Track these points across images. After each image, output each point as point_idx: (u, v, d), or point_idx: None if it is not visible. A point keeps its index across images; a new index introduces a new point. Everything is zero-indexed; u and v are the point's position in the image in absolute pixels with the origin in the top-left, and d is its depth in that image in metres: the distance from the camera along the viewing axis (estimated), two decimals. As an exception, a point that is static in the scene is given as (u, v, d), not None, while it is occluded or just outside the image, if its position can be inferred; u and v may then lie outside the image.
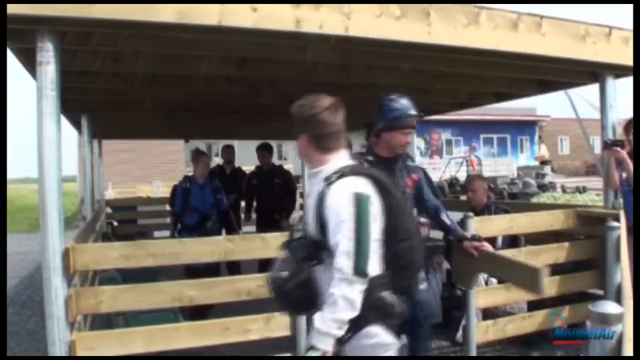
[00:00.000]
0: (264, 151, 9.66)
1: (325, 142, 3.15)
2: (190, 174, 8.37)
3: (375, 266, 2.91)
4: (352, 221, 2.83)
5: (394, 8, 4.54)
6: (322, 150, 3.16)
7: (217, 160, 12.21)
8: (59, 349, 3.98)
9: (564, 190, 24.14)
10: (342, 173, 3.00)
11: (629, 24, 5.74)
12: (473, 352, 5.21)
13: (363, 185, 2.97)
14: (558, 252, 5.74)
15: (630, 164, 5.63)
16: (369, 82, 7.10)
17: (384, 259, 2.98)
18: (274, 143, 10.01)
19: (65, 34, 4.26)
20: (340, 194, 2.90)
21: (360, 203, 2.87)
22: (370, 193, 2.96)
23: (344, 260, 2.79)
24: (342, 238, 2.82)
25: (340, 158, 3.17)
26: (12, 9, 3.58)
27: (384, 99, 4.68)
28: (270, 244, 4.84)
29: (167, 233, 13.19)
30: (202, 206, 8.01)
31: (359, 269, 2.79)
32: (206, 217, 8.01)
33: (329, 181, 2.99)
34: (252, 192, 9.94)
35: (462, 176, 28.73)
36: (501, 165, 38.01)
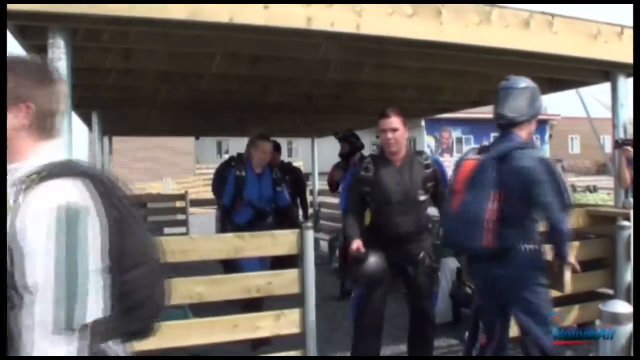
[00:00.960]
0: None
1: (50, 123, 2.11)
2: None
3: (95, 308, 1.93)
4: (58, 249, 1.85)
5: (406, 6, 4.54)
6: (40, 135, 2.08)
7: (227, 158, 12.16)
8: (69, 345, 3.99)
9: (574, 189, 23.94)
10: (47, 172, 1.95)
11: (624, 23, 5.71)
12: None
13: (77, 193, 1.95)
14: (568, 252, 5.72)
15: None
16: (380, 81, 7.10)
17: (112, 293, 2.02)
18: (283, 140, 9.90)
19: (76, 31, 4.28)
20: (40, 208, 1.86)
21: (70, 222, 1.89)
22: (87, 203, 1.95)
23: (50, 310, 1.82)
24: (44, 276, 1.82)
25: (54, 149, 2.13)
26: (23, 6, 3.59)
27: (533, 83, 4.34)
28: (280, 242, 4.88)
29: (177, 230, 13.26)
30: (257, 200, 6.77)
31: (74, 321, 1.85)
32: (262, 213, 6.78)
33: (26, 185, 1.92)
34: None
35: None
36: (511, 164, 37.77)
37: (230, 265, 6.17)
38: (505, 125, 4.14)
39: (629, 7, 5.72)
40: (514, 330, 4.46)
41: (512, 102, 4.11)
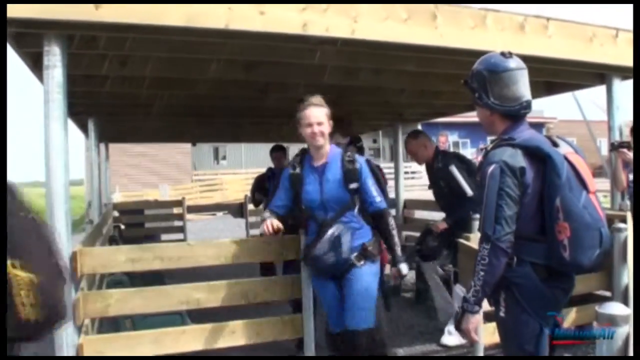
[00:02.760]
0: (279, 153, 8.68)
1: None
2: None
3: None
4: None
5: (401, 11, 4.55)
6: None
7: (224, 164, 12.11)
8: (66, 353, 3.98)
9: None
10: None
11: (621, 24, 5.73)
12: (480, 354, 5.20)
13: None
14: (565, 254, 5.71)
15: None
16: (377, 85, 7.11)
17: None
18: (280, 146, 9.77)
19: (72, 38, 4.29)
20: None
21: None
22: None
23: None
24: None
25: None
26: (19, 12, 3.59)
27: None
28: (278, 248, 4.89)
29: (174, 236, 13.24)
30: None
31: None
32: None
33: None
34: (264, 195, 8.90)
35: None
36: (508, 167, 37.80)
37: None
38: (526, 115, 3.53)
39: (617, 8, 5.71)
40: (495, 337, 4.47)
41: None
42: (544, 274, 3.23)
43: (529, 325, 3.27)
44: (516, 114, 3.38)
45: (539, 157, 3.20)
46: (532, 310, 3.24)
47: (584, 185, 3.17)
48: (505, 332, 3.41)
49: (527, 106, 3.38)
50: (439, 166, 6.25)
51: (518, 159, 3.18)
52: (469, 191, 6.12)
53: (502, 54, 3.42)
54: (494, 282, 3.19)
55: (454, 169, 6.23)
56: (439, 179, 6.44)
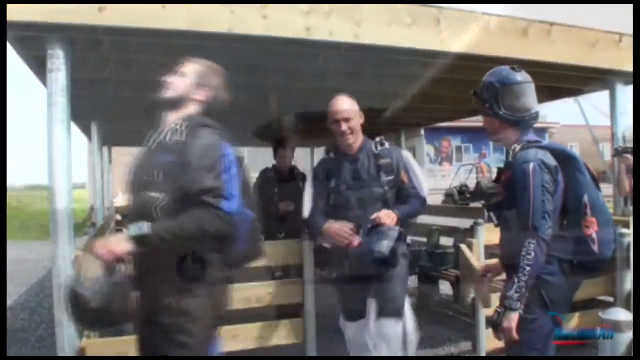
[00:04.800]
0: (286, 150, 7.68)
1: None
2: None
3: None
4: None
5: (405, 16, 4.55)
6: None
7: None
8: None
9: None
10: None
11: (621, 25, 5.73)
12: (483, 354, 5.20)
13: None
14: (568, 260, 5.69)
15: None
16: (380, 90, 7.10)
17: None
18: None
19: (76, 42, 4.29)
20: None
21: None
22: None
23: None
24: None
25: None
26: (23, 16, 3.60)
27: None
28: (279, 251, 4.89)
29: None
30: None
31: None
32: None
33: None
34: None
35: (472, 183, 28.68)
36: (511, 173, 37.71)
37: None
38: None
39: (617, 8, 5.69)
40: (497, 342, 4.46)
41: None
42: (568, 269, 3.37)
43: (545, 324, 3.37)
44: (526, 124, 3.59)
45: (562, 159, 3.42)
46: (553, 307, 3.36)
47: (597, 187, 3.45)
48: (520, 331, 3.41)
49: (536, 117, 3.61)
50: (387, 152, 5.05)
51: (550, 159, 3.39)
52: (425, 190, 5.08)
53: (512, 68, 3.62)
54: (535, 276, 3.28)
55: (412, 160, 5.10)
56: (382, 168, 4.98)
